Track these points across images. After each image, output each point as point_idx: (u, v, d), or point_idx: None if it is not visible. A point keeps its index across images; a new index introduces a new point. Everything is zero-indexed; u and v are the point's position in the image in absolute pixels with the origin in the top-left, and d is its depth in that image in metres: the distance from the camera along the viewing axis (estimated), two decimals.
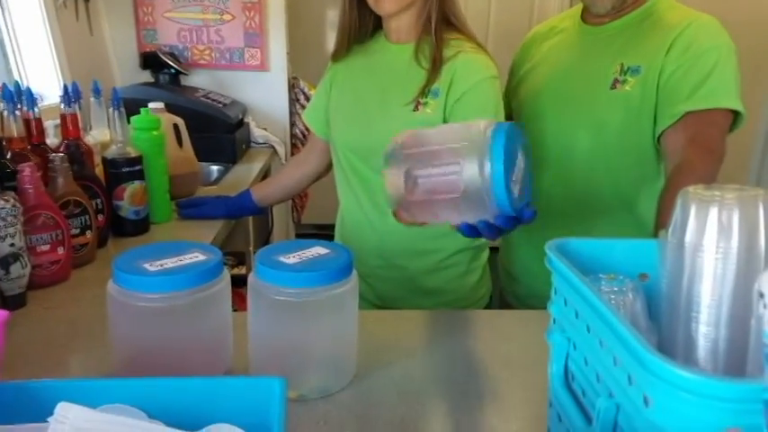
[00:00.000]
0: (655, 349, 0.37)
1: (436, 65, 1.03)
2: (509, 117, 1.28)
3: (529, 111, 1.17)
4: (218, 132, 1.98)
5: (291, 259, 0.68)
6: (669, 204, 0.79)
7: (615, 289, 0.52)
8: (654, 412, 0.38)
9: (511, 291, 1.22)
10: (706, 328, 0.47)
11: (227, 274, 0.69)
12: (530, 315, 0.91)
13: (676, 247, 0.49)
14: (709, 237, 0.46)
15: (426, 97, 1.03)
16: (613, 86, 1.04)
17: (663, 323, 0.51)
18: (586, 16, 1.13)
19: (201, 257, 0.67)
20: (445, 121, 1.03)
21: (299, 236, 2.81)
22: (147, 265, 0.64)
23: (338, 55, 1.15)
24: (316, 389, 0.69)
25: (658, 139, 1.02)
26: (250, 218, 1.94)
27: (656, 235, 0.94)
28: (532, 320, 0.84)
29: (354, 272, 0.71)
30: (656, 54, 1.00)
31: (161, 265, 0.64)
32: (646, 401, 0.38)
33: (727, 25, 1.02)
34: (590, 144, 1.07)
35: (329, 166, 1.29)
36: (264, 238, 2.27)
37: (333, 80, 1.19)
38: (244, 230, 1.91)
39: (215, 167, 1.94)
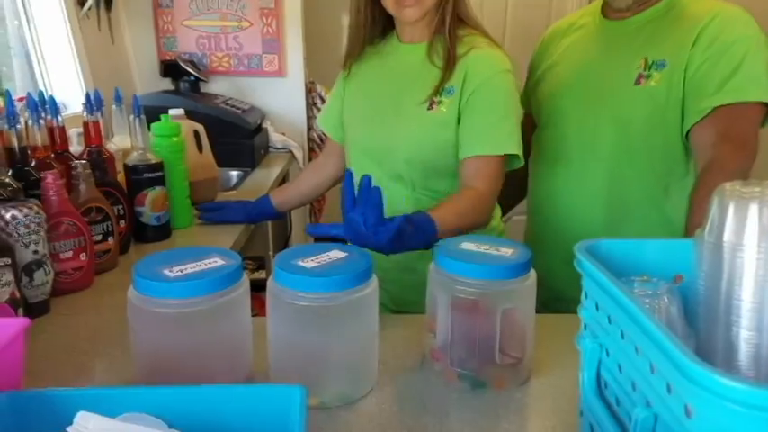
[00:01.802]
0: (696, 356, 0.35)
1: (450, 63, 1.02)
2: (529, 115, 1.26)
3: (550, 109, 1.14)
4: (238, 138, 1.99)
5: (310, 263, 0.67)
6: (701, 203, 0.76)
7: (650, 292, 0.49)
8: (697, 423, 0.36)
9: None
10: (747, 332, 0.45)
11: (245, 280, 0.68)
12: (555, 320, 0.88)
13: (714, 247, 0.47)
14: (750, 236, 0.44)
15: (440, 96, 1.02)
16: (638, 82, 1.01)
17: (701, 328, 0.49)
18: (607, 11, 1.11)
19: (221, 263, 0.67)
20: (459, 118, 1.02)
21: (316, 240, 2.82)
22: (166, 271, 0.64)
23: (350, 57, 1.14)
24: (337, 396, 0.68)
25: (686, 134, 0.99)
26: (269, 222, 1.94)
27: (687, 234, 0.91)
28: (558, 325, 0.81)
29: (374, 276, 0.69)
30: (682, 47, 0.97)
31: (180, 271, 0.63)
32: (687, 412, 0.36)
33: (756, 15, 0.98)
34: (614, 142, 1.04)
35: None
36: (283, 242, 2.27)
37: (346, 84, 1.18)
38: (263, 235, 1.91)
39: (234, 173, 1.95)
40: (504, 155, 1.01)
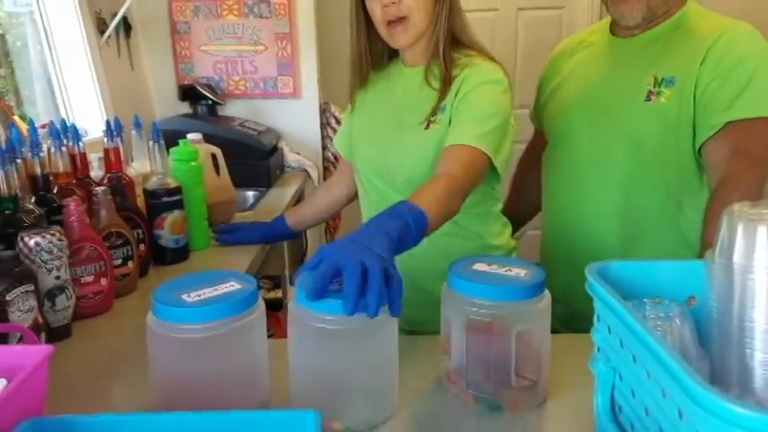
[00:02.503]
0: (706, 382, 0.35)
1: (446, 84, 1.04)
2: (540, 132, 1.26)
3: (560, 126, 1.15)
4: (254, 159, 2.02)
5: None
6: (715, 221, 0.76)
7: (661, 315, 0.49)
8: None
9: (552, 312, 1.19)
10: (762, 355, 0.44)
11: (261, 304, 0.69)
12: (571, 340, 0.88)
13: (724, 268, 0.47)
14: (760, 258, 0.44)
15: (436, 115, 1.04)
16: (648, 98, 1.02)
17: (715, 350, 0.49)
18: (616, 29, 1.12)
19: (237, 287, 0.68)
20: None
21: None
22: (183, 297, 0.65)
23: (354, 89, 1.17)
24: (361, 421, 0.68)
25: (699, 150, 0.99)
26: (285, 242, 1.96)
27: (702, 252, 0.90)
28: (575, 345, 0.81)
29: None
30: (691, 64, 0.98)
31: (198, 297, 0.65)
32: None
33: (763, 31, 0.98)
34: (627, 158, 1.04)
35: None
36: (299, 261, 2.29)
37: (355, 105, 1.20)
38: (279, 254, 1.93)
39: (251, 193, 1.98)
40: (484, 154, 0.97)
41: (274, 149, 2.19)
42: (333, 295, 0.62)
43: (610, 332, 0.51)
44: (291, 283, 1.93)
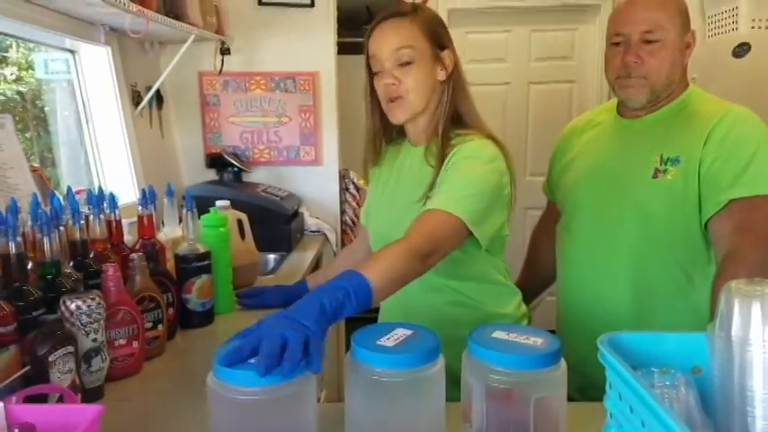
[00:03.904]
0: None
1: (441, 162, 1.08)
2: (554, 204, 1.32)
3: (572, 200, 1.20)
4: (276, 223, 2.10)
5: (388, 342, 0.72)
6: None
7: (668, 383, 0.53)
8: None
9: (568, 380, 1.20)
10: (763, 422, 0.47)
11: None
12: (587, 408, 0.89)
13: (724, 341, 0.51)
14: (755, 331, 0.48)
15: (431, 191, 1.08)
16: (655, 176, 1.07)
17: (718, 417, 0.52)
18: (623, 110, 1.19)
19: None
20: None
21: (350, 319, 2.85)
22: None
23: (368, 161, 1.24)
24: None
25: (705, 225, 1.03)
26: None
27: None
28: (590, 414, 0.82)
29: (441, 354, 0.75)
30: (695, 145, 1.04)
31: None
32: None
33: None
34: (637, 232, 1.09)
35: None
36: None
37: (371, 178, 1.28)
38: None
39: (272, 256, 2.04)
40: (454, 218, 0.97)
41: (296, 214, 2.28)
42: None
43: (621, 399, 0.54)
44: None
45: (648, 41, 1.08)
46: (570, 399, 0.89)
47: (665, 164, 1.06)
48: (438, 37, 1.09)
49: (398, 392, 0.70)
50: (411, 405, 0.71)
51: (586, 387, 1.07)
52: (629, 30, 1.09)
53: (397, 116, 1.11)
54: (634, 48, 1.09)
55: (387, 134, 1.21)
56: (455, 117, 1.11)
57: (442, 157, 1.08)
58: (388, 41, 1.07)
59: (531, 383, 0.72)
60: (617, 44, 1.12)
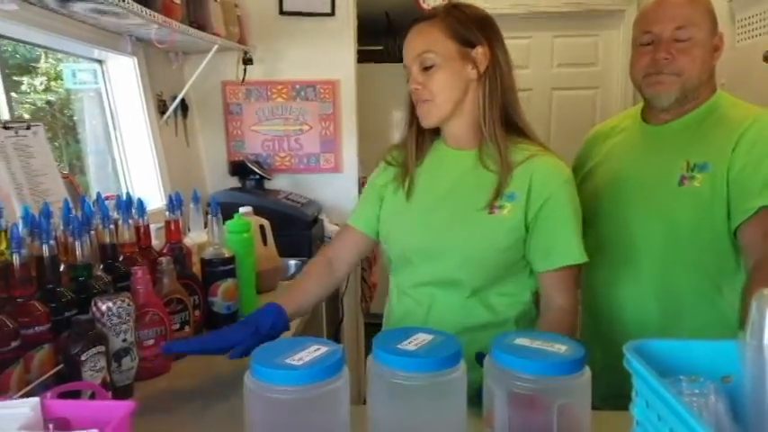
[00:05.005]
0: None
1: (505, 168, 1.02)
2: None
3: (596, 207, 1.20)
4: (297, 230, 2.12)
5: (410, 345, 0.73)
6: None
7: (696, 391, 0.53)
8: None
9: (592, 389, 1.19)
10: None
11: (346, 370, 0.72)
12: (611, 417, 0.89)
13: (756, 349, 0.51)
14: None
15: (501, 200, 1.02)
16: (681, 183, 1.06)
17: (750, 427, 0.51)
18: (648, 116, 1.18)
19: (325, 350, 0.71)
20: (527, 226, 1.03)
21: (368, 325, 2.87)
22: (281, 360, 0.68)
23: (409, 167, 1.12)
24: None
25: (734, 233, 1.02)
26: (323, 309, 2.02)
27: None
28: (614, 422, 0.82)
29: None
30: (724, 150, 1.03)
31: (292, 360, 0.68)
32: None
33: None
34: (663, 240, 1.08)
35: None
36: (335, 326, 2.34)
37: (385, 183, 1.16)
38: (318, 321, 1.99)
39: (293, 262, 2.06)
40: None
41: (316, 220, 2.30)
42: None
43: (648, 407, 0.54)
44: None
45: (680, 39, 1.06)
46: (594, 407, 0.89)
47: (692, 170, 1.05)
48: (467, 34, 1.03)
49: (420, 396, 0.71)
50: (433, 409, 0.72)
51: (610, 396, 1.06)
52: (660, 28, 1.07)
53: (425, 120, 1.07)
54: (665, 45, 1.06)
55: (423, 140, 1.13)
56: (506, 119, 1.05)
57: (503, 163, 1.02)
58: (411, 47, 1.05)
59: (554, 390, 0.72)
60: (645, 45, 1.10)
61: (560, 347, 0.76)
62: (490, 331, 1.02)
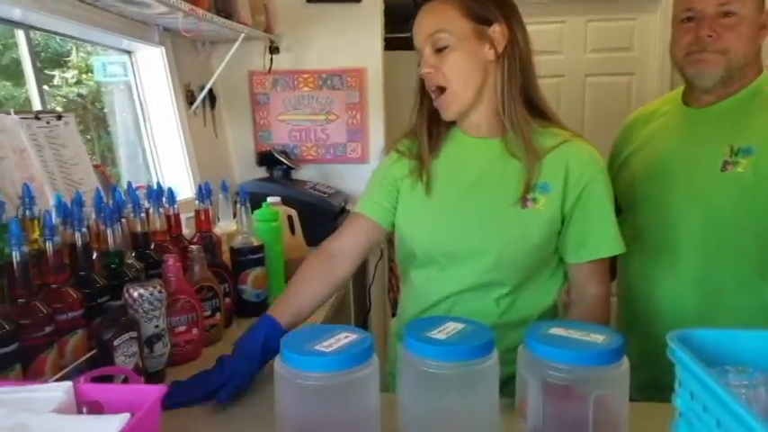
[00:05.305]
0: None
1: (534, 156, 0.95)
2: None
3: (635, 193, 1.16)
4: (324, 220, 2.12)
5: (440, 335, 0.72)
6: None
7: (745, 382, 0.50)
8: None
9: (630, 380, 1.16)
10: None
11: (376, 357, 0.72)
12: (649, 408, 0.87)
13: None
14: None
15: (534, 192, 0.96)
16: (724, 168, 1.03)
17: None
18: (689, 98, 1.14)
19: (354, 337, 0.71)
20: (564, 216, 0.98)
21: (395, 315, 2.87)
22: (311, 346, 0.68)
23: (424, 159, 1.04)
24: None
25: None
26: (351, 298, 2.02)
27: None
28: (652, 414, 0.80)
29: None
30: None
31: (322, 347, 0.68)
32: None
33: None
34: (703, 227, 1.05)
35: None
36: (363, 316, 2.34)
37: (402, 177, 1.08)
38: (346, 310, 2.00)
39: None
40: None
41: (342, 210, 2.30)
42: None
43: (692, 398, 0.52)
44: None
45: (724, 14, 1.01)
46: (631, 399, 0.87)
47: (736, 155, 1.01)
48: (484, 11, 0.95)
49: (450, 385, 0.70)
50: (463, 398, 0.71)
51: (648, 387, 1.04)
52: (703, 4, 1.02)
53: (445, 113, 0.99)
54: (709, 22, 1.02)
55: (436, 128, 1.05)
56: (527, 101, 0.98)
57: (533, 152, 0.95)
58: (422, 27, 0.98)
59: (590, 380, 0.70)
60: (687, 21, 1.05)
61: (597, 337, 0.73)
62: (510, 331, 0.97)
